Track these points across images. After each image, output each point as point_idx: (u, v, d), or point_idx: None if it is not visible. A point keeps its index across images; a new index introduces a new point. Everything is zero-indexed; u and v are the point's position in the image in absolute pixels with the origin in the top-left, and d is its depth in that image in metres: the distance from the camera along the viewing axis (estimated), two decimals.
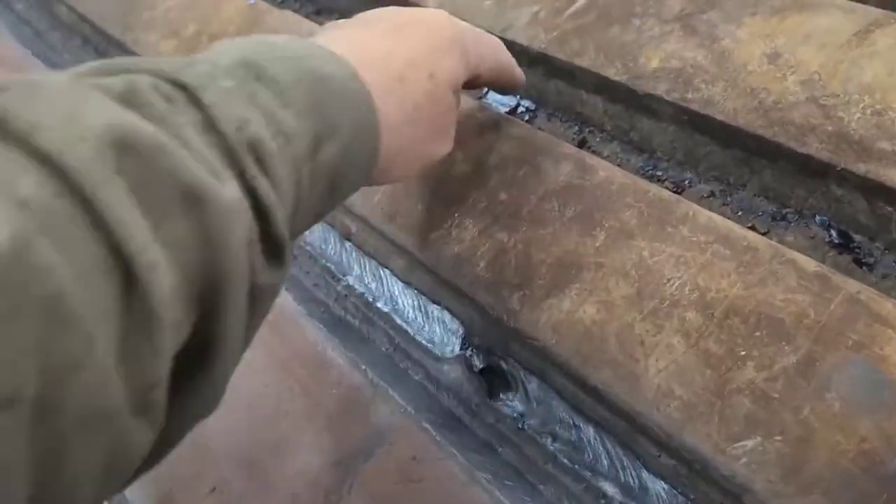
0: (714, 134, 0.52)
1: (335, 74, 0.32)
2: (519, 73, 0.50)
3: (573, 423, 0.47)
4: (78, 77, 0.25)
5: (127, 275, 0.20)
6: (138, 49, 0.87)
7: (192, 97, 0.25)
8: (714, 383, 0.40)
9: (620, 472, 0.44)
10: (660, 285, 0.45)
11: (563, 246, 0.49)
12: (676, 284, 0.44)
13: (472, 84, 0.46)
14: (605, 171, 0.52)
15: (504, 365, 0.51)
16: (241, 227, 0.24)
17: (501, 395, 0.51)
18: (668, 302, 0.44)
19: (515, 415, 0.49)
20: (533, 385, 0.49)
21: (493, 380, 0.52)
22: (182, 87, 0.25)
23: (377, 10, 0.42)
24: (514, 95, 0.68)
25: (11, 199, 0.18)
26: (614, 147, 0.59)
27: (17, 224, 0.18)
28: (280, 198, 0.26)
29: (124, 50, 0.90)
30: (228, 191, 0.24)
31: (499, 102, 0.69)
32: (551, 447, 0.47)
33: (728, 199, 0.52)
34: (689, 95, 0.52)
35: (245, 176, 0.25)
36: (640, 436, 0.43)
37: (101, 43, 0.98)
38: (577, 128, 0.62)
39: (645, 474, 0.43)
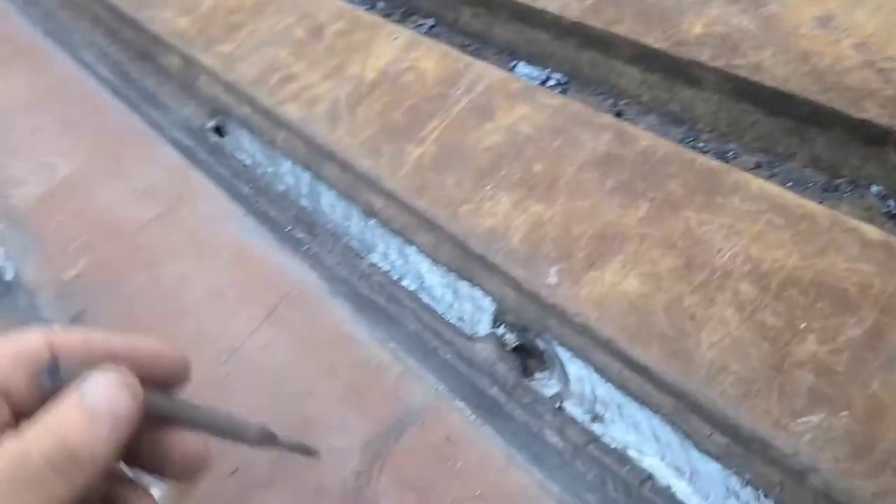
0: (762, 102, 0.49)
1: None
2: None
3: (615, 401, 0.44)
4: None
5: None
6: (154, 27, 0.85)
7: None
8: (773, 357, 0.38)
9: (668, 452, 0.42)
10: (710, 257, 0.42)
11: (604, 217, 0.47)
12: (728, 255, 0.42)
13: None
14: (647, 140, 0.49)
15: (539, 343, 0.49)
16: None
17: (537, 375, 0.49)
18: (719, 273, 0.42)
19: (553, 394, 0.47)
20: (571, 363, 0.47)
21: (527, 358, 0.50)
22: None
23: None
24: (544, 68, 0.66)
25: None
26: (651, 119, 0.57)
27: None
28: None
29: (138, 28, 0.88)
30: None
31: (527, 76, 0.66)
32: (593, 427, 0.45)
33: (775, 170, 0.50)
34: (736, 62, 0.49)
35: None
36: (691, 414, 0.40)
37: (112, 21, 0.96)
38: (611, 100, 0.60)
39: (695, 454, 0.41)
